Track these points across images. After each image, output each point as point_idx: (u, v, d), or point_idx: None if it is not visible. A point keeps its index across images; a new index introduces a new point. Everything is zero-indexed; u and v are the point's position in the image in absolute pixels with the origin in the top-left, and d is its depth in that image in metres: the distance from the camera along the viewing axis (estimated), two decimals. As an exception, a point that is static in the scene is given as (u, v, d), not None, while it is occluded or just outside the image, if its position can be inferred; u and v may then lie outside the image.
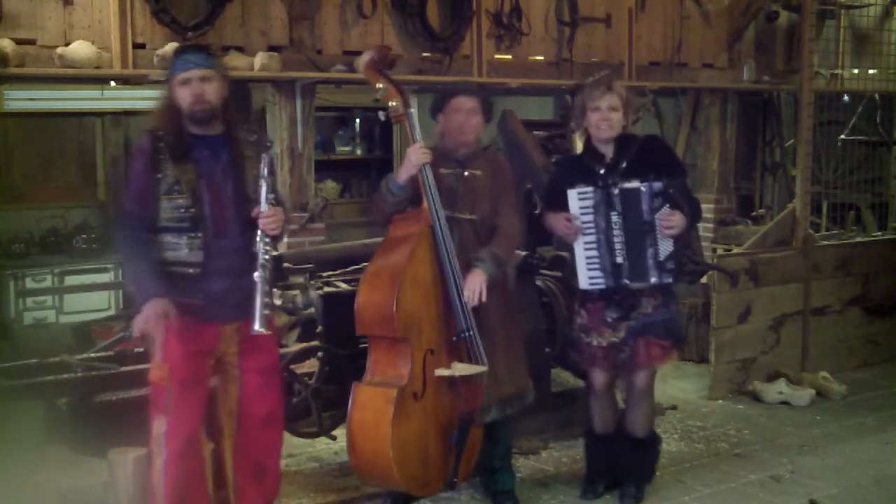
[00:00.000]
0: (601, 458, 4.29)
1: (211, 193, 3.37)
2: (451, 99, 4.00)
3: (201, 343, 3.39)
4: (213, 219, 3.36)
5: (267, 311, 3.35)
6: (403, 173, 3.85)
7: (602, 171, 4.05)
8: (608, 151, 4.09)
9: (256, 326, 3.33)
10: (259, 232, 3.37)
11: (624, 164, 4.04)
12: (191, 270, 3.35)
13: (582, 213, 4.03)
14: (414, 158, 3.81)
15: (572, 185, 4.05)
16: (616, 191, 3.98)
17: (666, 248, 3.99)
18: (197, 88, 3.34)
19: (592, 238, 4.03)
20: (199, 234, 3.34)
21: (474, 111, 3.99)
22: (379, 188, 3.95)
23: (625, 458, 4.24)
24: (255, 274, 3.34)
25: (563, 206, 4.08)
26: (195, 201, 3.33)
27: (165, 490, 3.36)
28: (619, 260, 4.01)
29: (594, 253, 4.03)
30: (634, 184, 3.97)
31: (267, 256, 3.37)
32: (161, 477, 3.36)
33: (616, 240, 4.00)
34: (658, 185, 3.96)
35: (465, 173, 3.98)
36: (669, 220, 3.95)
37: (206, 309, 3.37)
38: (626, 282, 4.01)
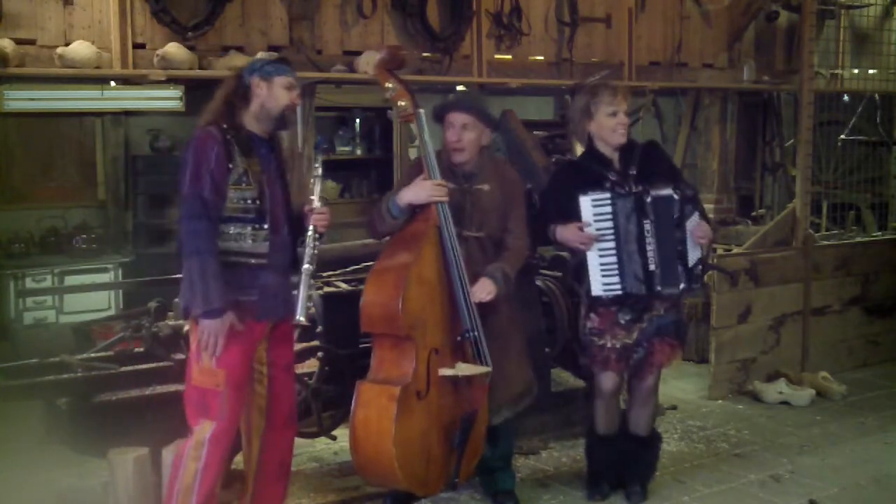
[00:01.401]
0: (603, 459, 4.28)
1: (270, 190, 3.45)
2: (446, 114, 3.96)
3: (252, 343, 3.44)
4: (271, 213, 3.44)
5: (310, 304, 3.44)
6: (408, 197, 3.81)
7: (614, 178, 4.02)
8: (614, 157, 4.07)
9: (298, 316, 3.39)
10: (311, 228, 3.49)
11: (634, 171, 4.02)
12: (253, 261, 3.40)
13: (597, 220, 3.95)
14: (426, 195, 3.78)
15: (584, 192, 3.98)
16: (649, 199, 3.94)
17: (695, 254, 3.99)
18: (296, 97, 3.52)
19: (610, 245, 3.96)
20: (265, 227, 3.41)
21: (469, 126, 3.91)
22: (377, 206, 3.90)
23: (629, 457, 4.23)
24: (304, 266, 3.43)
25: (567, 213, 3.99)
26: (261, 193, 3.40)
27: (199, 494, 3.34)
28: (652, 267, 3.96)
29: (612, 260, 3.96)
30: (666, 191, 3.94)
31: (315, 251, 3.47)
32: (197, 480, 3.34)
33: (649, 247, 3.95)
34: (689, 191, 3.96)
35: (473, 189, 3.95)
36: (702, 230, 3.96)
37: (260, 305, 3.42)
38: (659, 289, 3.97)
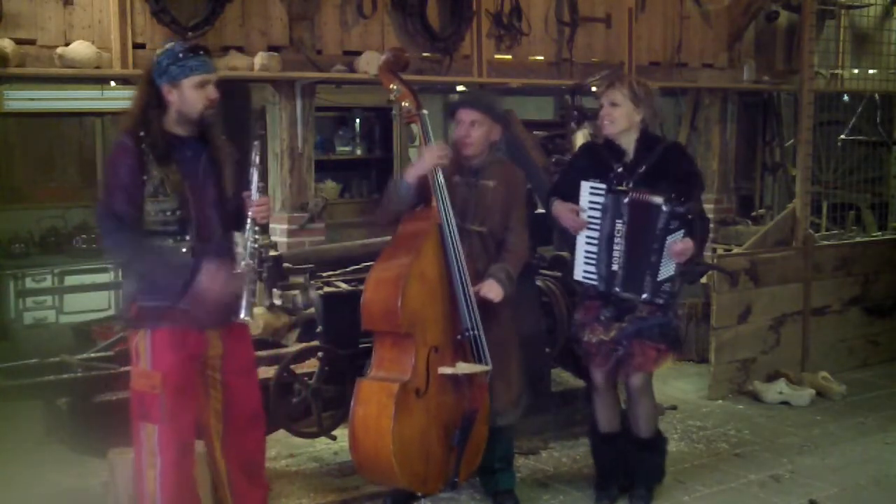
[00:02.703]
0: (608, 458, 4.26)
1: (194, 195, 3.29)
2: (456, 110, 4.01)
3: (191, 348, 3.31)
4: (197, 221, 3.28)
5: (253, 300, 3.30)
6: (414, 172, 3.84)
7: (620, 170, 4.00)
8: (629, 148, 4.04)
9: (242, 315, 3.27)
10: (249, 220, 3.33)
11: (643, 168, 3.99)
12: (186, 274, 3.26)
13: (590, 208, 4.00)
14: (429, 161, 3.80)
15: (587, 178, 4.02)
16: (626, 200, 3.92)
17: (667, 270, 3.95)
18: (213, 92, 3.30)
19: (595, 234, 4.01)
20: (187, 237, 3.27)
21: (478, 123, 3.96)
22: (386, 188, 3.94)
23: (632, 459, 4.21)
24: (243, 262, 3.29)
25: (573, 194, 4.05)
26: (181, 203, 3.25)
27: (163, 500, 3.29)
28: (615, 268, 3.97)
29: (594, 249, 4.01)
30: (657, 199, 3.89)
31: (255, 245, 3.32)
32: (157, 487, 3.28)
33: (616, 247, 3.96)
34: (680, 209, 3.88)
35: (479, 184, 3.98)
36: (681, 248, 3.90)
37: (194, 315, 3.28)
38: (618, 290, 3.99)
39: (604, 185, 3.98)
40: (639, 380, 4.10)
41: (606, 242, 3.98)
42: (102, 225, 3.26)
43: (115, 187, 3.22)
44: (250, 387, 3.55)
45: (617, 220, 3.95)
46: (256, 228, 3.36)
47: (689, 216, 3.92)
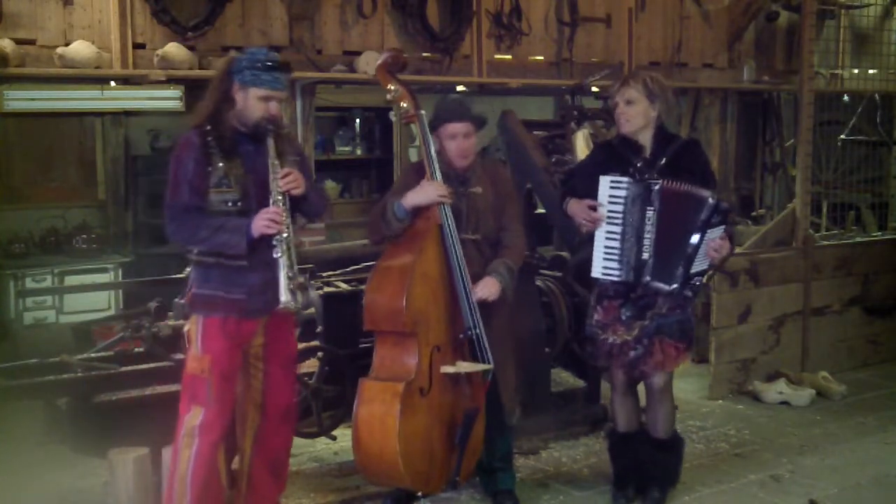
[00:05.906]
0: (626, 458, 4.23)
1: (256, 188, 3.41)
2: (444, 125, 3.95)
3: (241, 337, 3.46)
4: (257, 213, 3.38)
5: (292, 285, 3.35)
6: (413, 200, 3.82)
7: (639, 164, 3.98)
8: (647, 143, 4.02)
9: (283, 299, 3.32)
10: (277, 191, 3.37)
11: (663, 161, 3.97)
12: (237, 263, 3.39)
13: (610, 202, 3.94)
14: (434, 196, 3.80)
15: (605, 173, 3.98)
16: (657, 187, 3.88)
17: (701, 265, 3.93)
18: (275, 109, 3.43)
19: (617, 229, 3.94)
20: None
21: (469, 133, 3.96)
22: (382, 211, 3.89)
23: (647, 460, 4.18)
24: (274, 250, 3.35)
25: (588, 191, 4.01)
26: (243, 195, 3.39)
27: (192, 481, 3.38)
28: (646, 256, 3.92)
29: (615, 244, 3.95)
30: (704, 192, 3.87)
31: (286, 232, 3.36)
32: (190, 467, 3.39)
33: (647, 236, 3.91)
34: (725, 204, 3.89)
35: (468, 192, 3.97)
36: (721, 246, 3.90)
37: (248, 303, 3.43)
38: (647, 279, 3.93)
39: (625, 178, 3.93)
40: (661, 380, 4.08)
41: (636, 232, 3.91)
42: (171, 214, 3.39)
43: (182, 181, 3.37)
44: (289, 379, 3.65)
45: (647, 209, 3.90)
46: (279, 198, 3.37)
47: (730, 213, 3.91)
